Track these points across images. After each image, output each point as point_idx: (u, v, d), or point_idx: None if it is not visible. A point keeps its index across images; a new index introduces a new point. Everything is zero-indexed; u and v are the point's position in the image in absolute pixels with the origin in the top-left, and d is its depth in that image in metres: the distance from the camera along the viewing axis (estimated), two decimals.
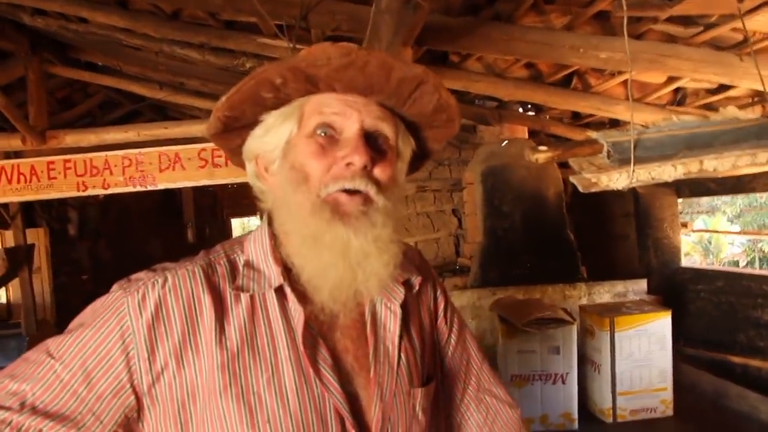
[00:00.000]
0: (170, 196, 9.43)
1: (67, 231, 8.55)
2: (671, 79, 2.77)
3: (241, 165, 1.18)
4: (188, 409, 1.03)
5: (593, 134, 1.79)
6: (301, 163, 1.02)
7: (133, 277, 1.07)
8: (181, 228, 9.68)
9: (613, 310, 2.87)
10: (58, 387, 1.01)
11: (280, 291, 1.05)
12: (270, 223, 1.12)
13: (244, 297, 1.05)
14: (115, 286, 1.07)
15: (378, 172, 1.02)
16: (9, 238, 7.37)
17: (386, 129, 1.04)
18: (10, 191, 4.49)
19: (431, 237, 4.30)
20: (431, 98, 1.06)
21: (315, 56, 0.98)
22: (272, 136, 1.07)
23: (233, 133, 1.12)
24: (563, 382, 2.79)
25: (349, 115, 1.02)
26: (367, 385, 1.08)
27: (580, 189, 1.82)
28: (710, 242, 15.52)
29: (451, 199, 4.33)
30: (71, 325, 1.07)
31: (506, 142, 3.69)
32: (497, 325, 2.86)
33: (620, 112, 2.95)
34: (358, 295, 1.04)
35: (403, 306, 1.15)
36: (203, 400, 1.02)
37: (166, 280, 1.04)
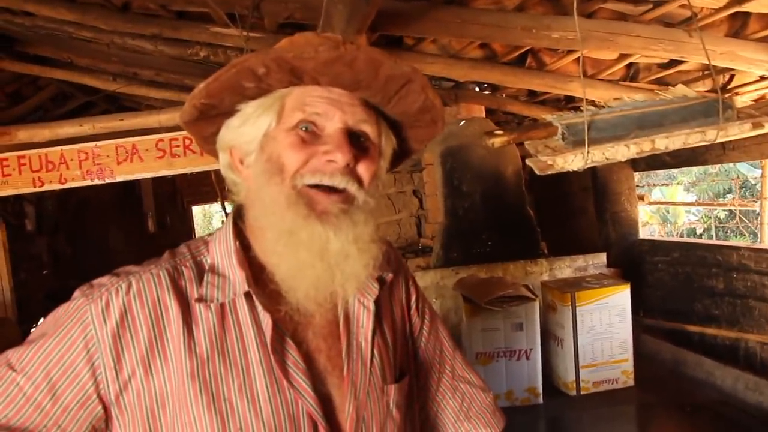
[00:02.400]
0: (129, 186, 9.29)
1: (25, 226, 8.33)
2: (624, 56, 2.81)
3: (214, 153, 1.14)
4: (158, 417, 0.99)
5: (547, 117, 1.82)
6: (279, 154, 0.99)
7: (96, 282, 1.03)
8: (141, 218, 9.54)
9: (574, 285, 2.93)
10: (21, 401, 0.97)
11: (248, 296, 1.01)
12: (236, 221, 1.09)
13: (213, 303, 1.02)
14: (77, 293, 1.03)
15: (361, 169, 1.00)
16: None
17: (369, 129, 1.02)
18: None
19: (393, 218, 4.32)
20: (417, 98, 1.05)
21: (302, 48, 0.96)
22: (250, 127, 1.04)
23: (208, 121, 1.08)
24: (527, 358, 2.84)
25: (332, 115, 0.99)
26: (340, 384, 1.06)
27: (537, 172, 1.85)
28: (668, 211, 15.85)
29: (411, 180, 4.34)
30: (32, 335, 1.03)
31: (464, 121, 3.71)
32: (461, 305, 2.89)
33: (574, 89, 2.99)
34: (334, 296, 1.01)
35: (377, 302, 1.13)
36: (173, 408, 0.98)
37: (130, 285, 1.00)
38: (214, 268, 1.05)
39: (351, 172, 0.99)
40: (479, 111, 3.75)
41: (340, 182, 0.97)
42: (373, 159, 1.03)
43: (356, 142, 1.01)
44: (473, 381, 1.32)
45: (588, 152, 1.73)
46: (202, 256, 1.08)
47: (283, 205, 0.97)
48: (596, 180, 4.03)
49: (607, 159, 1.79)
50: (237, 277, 1.03)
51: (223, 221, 1.21)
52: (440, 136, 3.96)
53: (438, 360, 1.29)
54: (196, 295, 1.02)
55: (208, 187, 8.94)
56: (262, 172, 1.01)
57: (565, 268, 3.61)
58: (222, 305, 1.02)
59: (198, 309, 1.01)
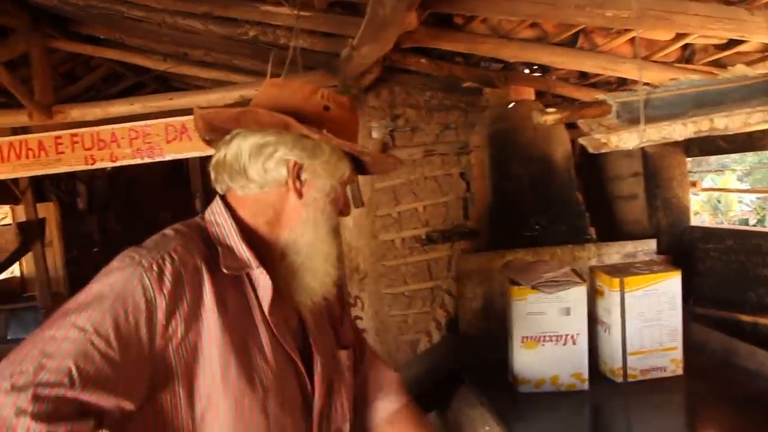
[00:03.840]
0: (177, 166, 9.47)
1: (77, 205, 8.58)
2: (679, 36, 2.72)
3: (208, 144, 1.47)
4: (194, 369, 1.20)
5: (601, 95, 1.78)
6: (339, 200, 1.44)
7: (143, 251, 1.22)
8: (189, 198, 9.70)
9: (623, 271, 2.86)
10: (98, 358, 1.06)
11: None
12: (232, 212, 1.37)
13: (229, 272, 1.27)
14: (126, 260, 1.19)
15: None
16: (20, 213, 7.42)
17: None
18: (19, 167, 4.52)
19: (439, 201, 4.29)
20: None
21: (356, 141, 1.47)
22: (329, 165, 1.38)
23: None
24: (574, 343, 2.78)
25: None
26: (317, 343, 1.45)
27: (591, 150, 1.81)
28: (719, 201, 15.43)
29: (458, 163, 4.30)
30: (87, 298, 1.13)
31: (513, 104, 3.65)
32: (508, 288, 2.86)
33: (627, 71, 2.91)
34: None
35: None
36: (207, 358, 1.21)
37: (177, 253, 1.22)
38: (222, 243, 1.31)
39: None
40: (529, 93, 3.68)
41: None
42: None
43: None
44: (384, 360, 1.84)
45: (644, 130, 1.69)
46: (207, 232, 1.34)
47: (331, 233, 1.41)
48: (647, 165, 3.93)
49: (663, 138, 1.74)
50: (245, 255, 1.30)
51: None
52: (488, 119, 3.94)
53: (358, 341, 1.75)
54: (222, 265, 1.26)
55: None
56: (326, 203, 1.39)
57: (614, 254, 3.54)
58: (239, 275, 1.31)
59: (223, 276, 1.26)
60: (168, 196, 9.99)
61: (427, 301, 4.24)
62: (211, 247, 1.30)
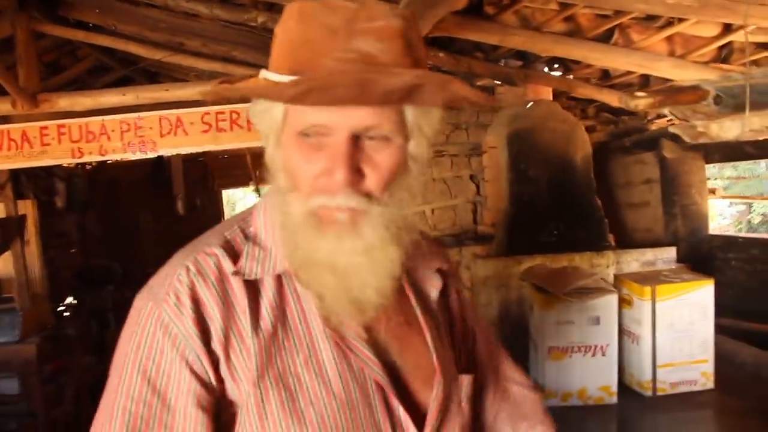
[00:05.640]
0: (159, 167, 9.27)
1: (55, 203, 8.30)
2: (723, 33, 2.61)
3: None
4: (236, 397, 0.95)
5: (695, 81, 1.63)
6: (291, 167, 0.94)
7: (153, 283, 0.98)
8: (170, 200, 9.51)
9: (652, 279, 2.75)
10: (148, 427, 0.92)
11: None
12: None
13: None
14: (139, 302, 0.98)
15: (371, 181, 0.92)
16: None
17: (383, 123, 0.91)
18: (1, 158, 4.26)
19: (448, 204, 4.16)
20: (437, 97, 0.93)
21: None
22: (263, 118, 0.98)
23: None
24: (603, 354, 2.68)
25: (335, 120, 0.89)
26: (406, 362, 1.03)
27: (687, 139, 1.67)
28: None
29: (469, 165, 4.19)
30: (117, 366, 0.97)
31: (531, 103, 3.54)
32: (532, 295, 2.74)
33: (663, 69, 2.78)
34: (358, 303, 0.95)
35: (440, 294, 1.14)
36: (246, 388, 0.94)
37: (188, 269, 0.96)
38: (257, 242, 1.02)
39: (355, 186, 0.90)
40: (547, 93, 3.58)
41: (341, 201, 0.90)
42: (388, 159, 0.93)
43: (367, 145, 0.91)
44: (522, 381, 1.33)
45: (747, 118, 1.54)
46: (248, 228, 1.04)
47: (300, 224, 0.94)
48: (665, 171, 3.86)
49: (767, 128, 1.59)
50: (280, 254, 1.00)
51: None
52: (506, 119, 3.81)
53: (487, 361, 1.28)
54: (251, 268, 0.99)
55: (240, 170, 8.85)
56: (282, 181, 0.97)
57: (632, 261, 3.44)
58: (279, 276, 0.99)
59: (259, 281, 0.98)
60: (149, 197, 9.79)
61: None
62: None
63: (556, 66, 3.57)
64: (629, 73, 3.29)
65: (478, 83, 3.79)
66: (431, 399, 1.02)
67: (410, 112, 0.94)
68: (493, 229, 3.76)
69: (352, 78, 0.84)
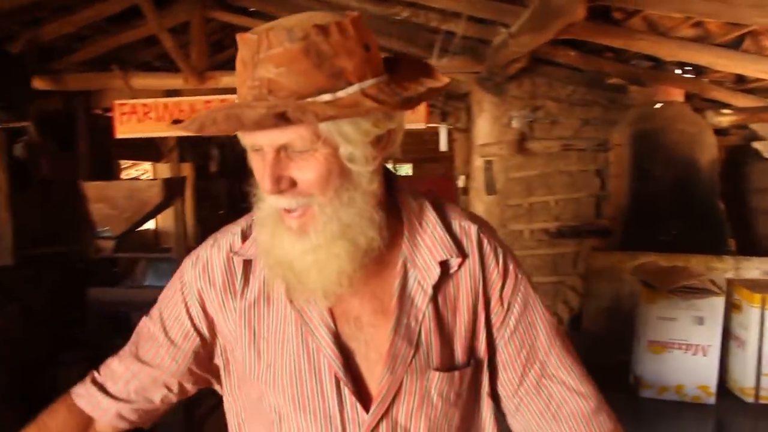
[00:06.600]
0: None
1: (209, 168, 8.94)
2: None
3: None
4: (228, 351, 1.27)
5: None
6: (254, 173, 1.10)
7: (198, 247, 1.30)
8: None
9: (765, 287, 2.75)
10: (149, 339, 1.29)
11: None
12: None
13: None
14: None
15: (303, 184, 1.04)
16: (159, 171, 7.93)
17: (295, 140, 1.00)
18: (172, 127, 4.84)
19: (572, 196, 4.25)
20: (306, 117, 0.99)
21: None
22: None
23: None
24: (704, 354, 2.70)
25: (259, 139, 1.02)
26: (379, 357, 1.14)
27: (767, 156, 1.74)
28: None
29: (595, 160, 4.24)
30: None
31: (660, 104, 3.56)
32: (639, 289, 2.81)
33: None
34: (318, 296, 1.11)
35: (437, 286, 1.17)
36: (233, 342, 1.23)
37: (215, 241, 1.25)
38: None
39: (287, 187, 1.03)
40: (678, 94, 3.57)
41: (285, 203, 1.06)
42: (313, 166, 1.02)
43: (295, 155, 1.02)
44: (569, 383, 1.25)
45: None
46: None
47: (266, 220, 1.11)
48: None
49: None
50: None
51: None
52: (632, 117, 3.84)
53: (525, 355, 1.24)
54: (248, 249, 1.23)
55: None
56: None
57: (753, 269, 3.37)
58: None
59: (255, 261, 1.21)
60: None
61: (549, 295, 4.21)
62: None
63: (688, 68, 3.56)
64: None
65: (608, 82, 3.84)
66: (377, 386, 1.13)
67: (324, 125, 0.99)
68: (613, 224, 3.81)
69: (223, 114, 0.97)
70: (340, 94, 0.97)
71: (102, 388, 1.27)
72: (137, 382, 1.26)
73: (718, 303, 2.65)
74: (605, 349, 3.07)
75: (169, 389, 1.28)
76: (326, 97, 0.96)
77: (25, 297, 4.78)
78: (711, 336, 2.67)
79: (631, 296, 3.18)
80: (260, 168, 1.05)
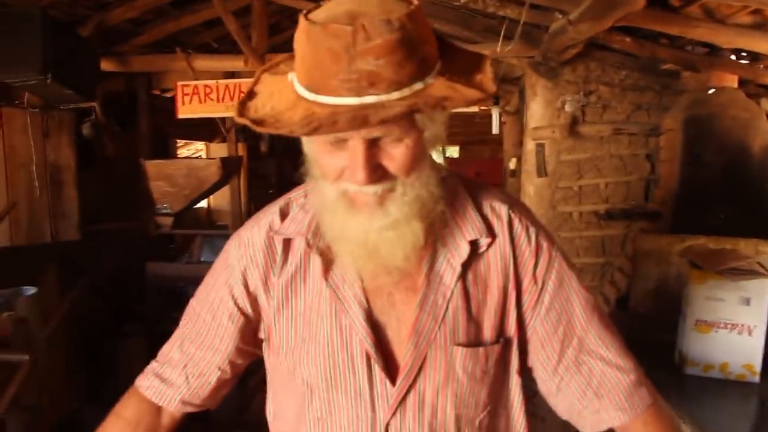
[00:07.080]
0: None
1: (259, 148, 9.10)
2: None
3: None
4: (271, 325, 1.28)
5: None
6: (319, 161, 1.10)
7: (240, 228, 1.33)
8: None
9: None
10: (196, 320, 1.33)
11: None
12: None
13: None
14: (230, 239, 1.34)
15: (392, 169, 1.05)
16: (214, 150, 8.14)
17: (392, 130, 1.01)
18: (231, 108, 4.99)
19: (622, 179, 4.30)
20: (433, 111, 1.01)
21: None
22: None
23: None
24: (749, 334, 2.74)
25: (350, 131, 0.99)
26: (400, 323, 1.18)
27: None
28: None
29: (646, 144, 4.28)
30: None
31: (713, 90, 3.58)
32: (687, 270, 2.87)
33: None
34: (382, 268, 1.13)
35: (465, 264, 1.19)
36: (270, 317, 1.26)
37: (257, 221, 1.28)
38: (305, 206, 1.27)
39: (377, 179, 1.04)
40: (732, 80, 3.58)
41: (369, 190, 1.05)
42: (404, 153, 1.04)
43: (385, 141, 1.03)
44: (609, 358, 1.25)
45: None
46: (302, 198, 1.29)
47: (333, 206, 1.10)
48: None
49: None
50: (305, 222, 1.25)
51: None
52: (685, 103, 3.87)
53: (563, 332, 1.25)
54: (287, 228, 1.25)
55: None
56: (314, 167, 1.14)
57: None
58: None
59: (292, 239, 1.24)
60: None
61: (596, 276, 4.28)
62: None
63: (743, 54, 3.57)
64: None
65: (662, 67, 3.87)
66: (400, 362, 1.17)
67: (415, 117, 1.01)
68: (662, 208, 3.85)
69: (349, 116, 0.93)
70: (429, 80, 0.98)
71: (162, 378, 1.33)
72: (192, 366, 1.31)
73: (765, 285, 2.70)
74: (651, 328, 3.14)
75: (222, 369, 1.31)
76: (418, 85, 0.97)
77: (90, 271, 4.95)
78: (757, 316, 2.72)
79: (678, 278, 3.24)
80: (336, 160, 1.06)
